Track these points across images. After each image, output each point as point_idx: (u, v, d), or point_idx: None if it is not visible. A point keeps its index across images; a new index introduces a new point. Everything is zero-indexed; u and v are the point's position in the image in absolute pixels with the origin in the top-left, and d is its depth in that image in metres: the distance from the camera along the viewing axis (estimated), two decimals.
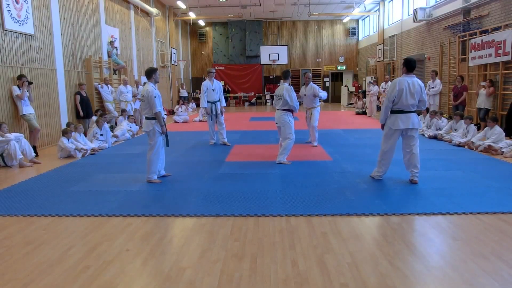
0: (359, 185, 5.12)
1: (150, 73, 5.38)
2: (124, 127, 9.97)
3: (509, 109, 8.82)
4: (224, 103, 8.64)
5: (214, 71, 8.64)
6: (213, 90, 8.38)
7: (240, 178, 5.60)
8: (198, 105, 20.32)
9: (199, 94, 23.79)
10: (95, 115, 9.60)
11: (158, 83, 5.51)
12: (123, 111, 10.97)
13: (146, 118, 5.35)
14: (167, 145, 5.59)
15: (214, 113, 8.41)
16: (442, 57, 12.90)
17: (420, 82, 5.05)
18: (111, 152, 7.96)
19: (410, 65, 5.01)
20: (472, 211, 4.02)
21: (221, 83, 8.89)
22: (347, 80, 24.20)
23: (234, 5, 18.17)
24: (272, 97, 23.06)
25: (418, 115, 6.49)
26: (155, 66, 15.61)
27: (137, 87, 12.26)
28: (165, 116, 5.60)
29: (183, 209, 4.27)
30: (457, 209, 4.10)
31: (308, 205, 4.31)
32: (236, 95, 23.04)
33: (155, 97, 5.20)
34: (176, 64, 19.54)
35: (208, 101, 8.39)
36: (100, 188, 5.20)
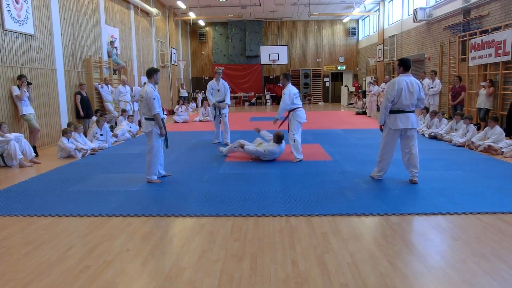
0: (359, 185, 5.12)
1: (151, 73, 5.32)
2: (124, 127, 9.97)
3: (510, 109, 8.82)
4: (228, 102, 8.60)
5: (221, 71, 8.62)
6: (218, 90, 8.42)
7: (240, 178, 5.59)
8: (198, 105, 20.38)
9: (199, 94, 23.68)
10: (95, 115, 9.60)
11: (157, 84, 5.48)
12: (123, 111, 10.97)
13: (146, 119, 5.33)
14: (167, 147, 5.57)
15: (217, 113, 8.51)
16: (442, 57, 12.91)
17: (417, 81, 5.07)
18: (111, 152, 7.96)
19: (406, 65, 5.04)
20: (472, 211, 4.02)
21: (227, 84, 8.83)
22: (347, 80, 24.20)
23: (234, 5, 18.17)
24: (272, 97, 23.06)
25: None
26: (155, 66, 15.64)
27: (131, 89, 12.08)
28: (164, 117, 5.58)
29: (183, 209, 4.27)
30: (457, 209, 4.10)
31: (308, 205, 4.31)
32: (236, 95, 23.04)
33: (154, 98, 5.15)
34: (176, 64, 19.54)
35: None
36: (100, 188, 5.20)
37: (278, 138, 6.66)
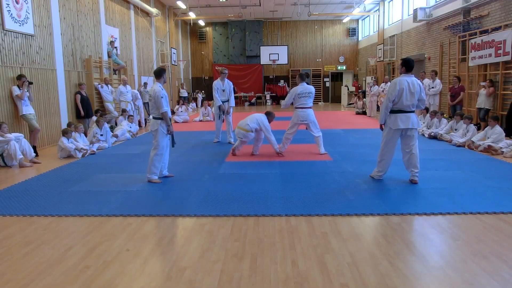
0: (359, 185, 5.12)
1: (160, 73, 5.44)
2: (124, 127, 9.97)
3: (509, 109, 8.82)
4: (233, 104, 8.82)
5: (226, 71, 8.75)
6: (223, 90, 8.60)
7: (240, 178, 5.59)
8: (198, 105, 20.38)
9: (199, 94, 23.70)
10: (95, 115, 9.60)
11: (165, 82, 5.58)
12: (123, 111, 10.97)
13: (153, 117, 5.36)
14: (173, 145, 5.59)
15: (221, 113, 8.67)
16: (442, 57, 12.91)
17: (419, 81, 5.07)
18: (111, 152, 7.96)
19: (409, 65, 5.03)
20: (472, 211, 4.02)
21: (232, 84, 8.99)
22: (347, 80, 24.20)
23: (234, 5, 18.17)
24: (272, 97, 23.06)
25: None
26: (155, 66, 15.66)
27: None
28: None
29: (183, 209, 4.27)
30: (457, 209, 4.10)
31: (308, 205, 4.31)
32: (236, 95, 22.98)
33: (161, 97, 5.23)
34: (176, 64, 19.54)
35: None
36: (100, 188, 5.20)
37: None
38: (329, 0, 18.40)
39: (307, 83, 7.33)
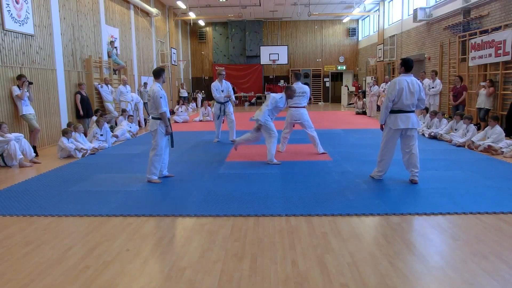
0: (359, 185, 5.12)
1: (159, 73, 5.43)
2: (124, 127, 9.96)
3: (509, 109, 8.82)
4: (233, 98, 8.95)
5: (224, 73, 8.85)
6: (222, 91, 8.67)
7: (240, 178, 5.59)
8: (198, 105, 20.38)
9: (199, 94, 23.73)
10: (95, 115, 9.60)
11: (164, 82, 5.57)
12: (123, 111, 10.97)
13: (153, 118, 5.36)
14: (172, 146, 5.58)
15: (221, 113, 8.73)
16: (442, 57, 12.90)
17: (418, 81, 5.08)
18: (111, 152, 7.96)
19: (408, 65, 5.03)
20: (472, 211, 4.02)
21: (230, 84, 9.04)
22: (347, 80, 24.20)
23: (234, 5, 18.18)
24: None
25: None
26: (155, 66, 15.67)
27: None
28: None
29: (183, 209, 4.27)
30: (457, 209, 4.10)
31: (308, 205, 4.31)
32: (236, 95, 23.02)
33: (160, 97, 5.21)
34: (176, 64, 19.54)
35: (216, 102, 8.80)
36: (100, 188, 5.20)
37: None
38: (329, 0, 18.40)
39: (302, 83, 7.37)
